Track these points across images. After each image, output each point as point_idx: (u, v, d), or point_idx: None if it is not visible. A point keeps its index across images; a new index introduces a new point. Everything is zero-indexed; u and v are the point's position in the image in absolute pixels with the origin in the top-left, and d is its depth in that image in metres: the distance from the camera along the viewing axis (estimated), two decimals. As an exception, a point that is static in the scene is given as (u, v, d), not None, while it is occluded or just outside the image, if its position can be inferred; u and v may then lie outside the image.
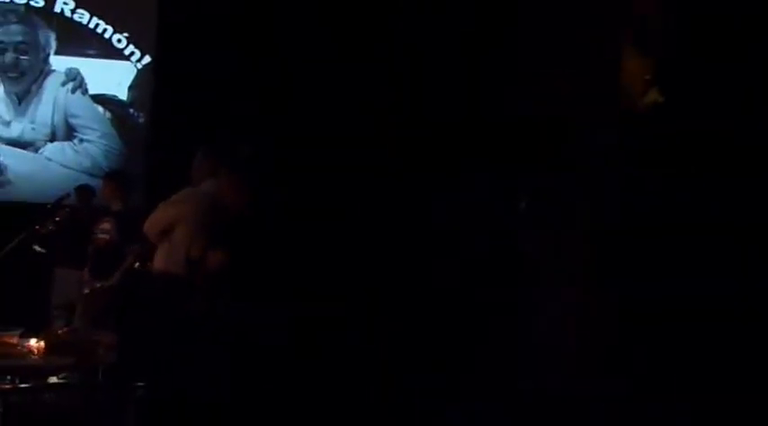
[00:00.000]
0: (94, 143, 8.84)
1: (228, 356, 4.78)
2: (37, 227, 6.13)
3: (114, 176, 7.37)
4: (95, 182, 7.82)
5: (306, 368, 5.69)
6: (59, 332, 4.59)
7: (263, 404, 4.94)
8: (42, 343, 4.36)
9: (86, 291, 6.50)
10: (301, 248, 6.45)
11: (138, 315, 4.98)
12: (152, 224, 5.08)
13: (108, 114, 8.93)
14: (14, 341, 4.41)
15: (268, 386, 5.08)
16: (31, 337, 4.46)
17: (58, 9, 8.82)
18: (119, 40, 8.88)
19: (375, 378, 5.93)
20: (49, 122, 8.79)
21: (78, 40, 8.87)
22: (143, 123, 8.97)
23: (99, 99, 8.90)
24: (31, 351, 4.32)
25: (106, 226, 6.75)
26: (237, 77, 8.17)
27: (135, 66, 8.94)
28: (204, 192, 5.13)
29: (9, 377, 4.16)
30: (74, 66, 8.86)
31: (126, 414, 4.25)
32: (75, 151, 8.82)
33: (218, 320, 4.82)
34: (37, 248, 6.61)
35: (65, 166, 8.77)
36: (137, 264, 6.50)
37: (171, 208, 5.06)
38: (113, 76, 8.90)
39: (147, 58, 8.92)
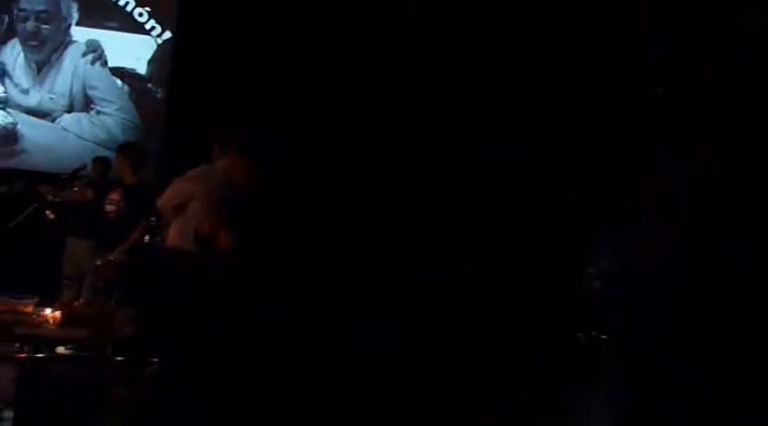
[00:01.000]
0: (111, 115, 8.86)
1: (238, 333, 4.81)
2: (52, 197, 6.21)
3: (127, 149, 7.33)
4: (111, 155, 7.83)
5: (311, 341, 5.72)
6: (75, 304, 4.63)
7: (273, 380, 4.97)
8: (58, 314, 4.40)
9: (98, 263, 6.53)
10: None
11: (152, 291, 5.02)
12: (166, 199, 5.08)
13: (126, 88, 8.95)
14: (29, 310, 4.46)
15: (278, 360, 5.12)
16: (47, 307, 4.51)
17: (81, -20, 8.85)
18: (140, 14, 8.90)
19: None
20: (68, 93, 8.82)
21: (100, 12, 8.88)
22: (161, 98, 8.99)
23: (118, 72, 8.92)
24: (46, 321, 4.36)
25: (115, 196, 6.74)
26: (256, 56, 8.19)
27: (155, 40, 8.94)
28: (219, 169, 5.16)
29: (21, 346, 4.22)
30: (94, 37, 8.87)
31: (138, 387, 4.30)
32: (92, 123, 8.85)
33: (229, 299, 4.86)
34: (50, 215, 6.65)
35: (81, 138, 8.79)
36: (146, 238, 6.54)
37: (185, 184, 5.06)
38: (133, 50, 8.91)
39: (168, 34, 8.93)
